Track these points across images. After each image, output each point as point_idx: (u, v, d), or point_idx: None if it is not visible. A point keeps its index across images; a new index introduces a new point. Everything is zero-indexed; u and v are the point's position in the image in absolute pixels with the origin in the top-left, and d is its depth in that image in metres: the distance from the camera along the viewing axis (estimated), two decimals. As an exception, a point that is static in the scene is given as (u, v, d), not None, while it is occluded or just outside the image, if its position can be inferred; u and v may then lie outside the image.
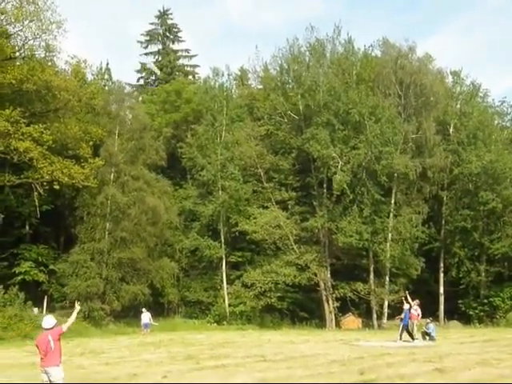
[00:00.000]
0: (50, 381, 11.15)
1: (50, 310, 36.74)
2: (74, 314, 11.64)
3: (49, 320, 11.59)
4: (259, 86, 54.26)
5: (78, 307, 11.84)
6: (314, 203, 44.90)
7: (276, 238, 43.41)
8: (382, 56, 47.90)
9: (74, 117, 39.97)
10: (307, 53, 46.80)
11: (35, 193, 36.38)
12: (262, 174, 45.62)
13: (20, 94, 36.94)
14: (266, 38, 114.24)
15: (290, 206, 45.49)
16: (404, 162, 42.54)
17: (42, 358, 11.21)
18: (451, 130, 47.26)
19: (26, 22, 35.87)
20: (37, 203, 36.76)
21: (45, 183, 35.86)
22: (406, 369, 16.45)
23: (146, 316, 34.75)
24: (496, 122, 51.15)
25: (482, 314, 44.56)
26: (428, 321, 29.12)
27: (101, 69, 53.35)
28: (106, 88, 49.40)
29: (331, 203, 44.06)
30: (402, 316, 27.43)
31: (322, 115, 43.32)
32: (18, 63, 37.15)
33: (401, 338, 26.86)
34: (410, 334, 27.03)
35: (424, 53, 47.55)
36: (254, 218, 43.88)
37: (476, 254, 45.91)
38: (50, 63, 39.52)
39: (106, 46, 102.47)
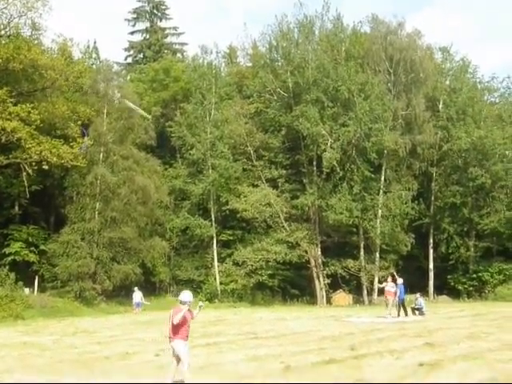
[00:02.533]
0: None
1: (41, 289, 36.81)
2: (198, 310, 11.27)
3: (187, 294, 11.41)
4: (248, 63, 53.99)
5: (202, 304, 11.53)
6: (304, 181, 44.97)
7: (266, 215, 43.52)
8: (371, 32, 47.69)
9: (61, 96, 39.54)
10: (296, 29, 46.61)
11: (24, 173, 36.09)
12: (251, 152, 45.56)
13: (6, 73, 36.45)
14: (254, 15, 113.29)
15: (280, 184, 45.53)
16: (393, 138, 42.59)
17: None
18: (441, 107, 47.29)
19: (10, 0, 35.36)
20: (26, 183, 36.48)
21: (33, 163, 35.54)
22: (397, 343, 16.63)
23: (137, 295, 34.85)
24: (485, 97, 51.18)
25: (470, 288, 45.07)
26: (417, 296, 29.42)
27: (88, 47, 52.70)
28: (94, 67, 48.84)
29: (321, 181, 44.18)
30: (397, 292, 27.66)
31: (311, 92, 43.20)
32: (3, 42, 36.64)
33: (399, 314, 27.09)
34: (402, 309, 27.32)
35: (413, 29, 47.43)
36: (245, 197, 43.91)
37: (465, 229, 46.29)
38: (36, 42, 39.01)
39: (93, 24, 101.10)
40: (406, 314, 27.07)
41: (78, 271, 36.49)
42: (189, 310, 11.22)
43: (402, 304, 27.45)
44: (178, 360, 11.09)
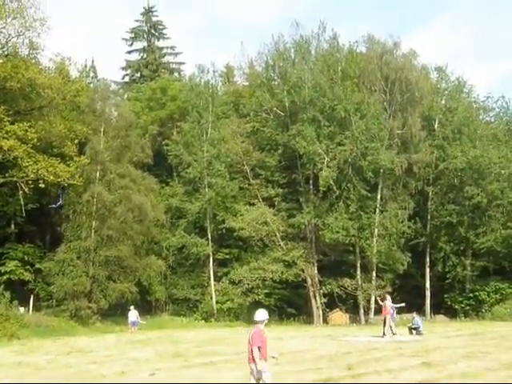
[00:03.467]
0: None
1: (37, 308, 36.61)
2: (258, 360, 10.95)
3: (262, 313, 11.27)
4: (245, 82, 54.28)
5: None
6: (301, 199, 45.01)
7: (263, 234, 43.48)
8: (367, 52, 47.95)
9: (58, 115, 39.63)
10: (292, 49, 46.89)
11: (20, 191, 36.06)
12: (248, 170, 45.63)
13: (4, 92, 36.55)
14: (251, 34, 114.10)
15: (276, 203, 45.55)
16: (390, 157, 42.72)
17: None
18: (436, 126, 47.54)
19: (9, 20, 35.60)
20: (22, 202, 36.47)
21: (30, 182, 35.55)
22: (394, 363, 16.56)
23: (133, 314, 34.71)
24: (481, 117, 51.48)
25: (467, 308, 44.93)
26: (413, 315, 29.35)
27: (85, 66, 52.96)
28: (91, 85, 49.07)
29: (317, 199, 44.19)
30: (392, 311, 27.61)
31: (307, 111, 43.41)
32: (1, 61, 36.77)
33: (394, 333, 26.98)
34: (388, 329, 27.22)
35: (409, 49, 47.76)
36: (241, 215, 43.90)
37: (461, 248, 46.24)
38: (33, 61, 39.11)
39: (91, 43, 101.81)
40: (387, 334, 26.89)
41: (73, 290, 36.34)
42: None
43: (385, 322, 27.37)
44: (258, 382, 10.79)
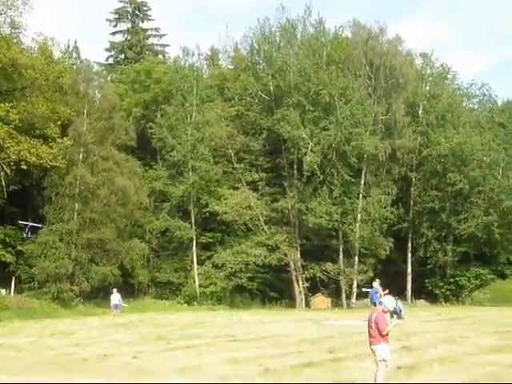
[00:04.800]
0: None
1: (18, 291, 36.45)
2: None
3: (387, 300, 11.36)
4: (230, 66, 53.92)
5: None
6: (285, 184, 45.04)
7: (246, 218, 43.53)
8: (353, 37, 47.91)
9: (41, 96, 39.17)
10: (278, 33, 46.61)
11: (2, 173, 35.72)
12: (232, 154, 45.52)
13: (-15, 72, 36.11)
14: (236, 17, 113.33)
15: (260, 187, 45.57)
16: (373, 143, 42.85)
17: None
18: (420, 112, 47.72)
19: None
20: (4, 183, 36.13)
21: (12, 163, 35.25)
22: (375, 347, 16.69)
23: (115, 297, 34.69)
24: (464, 104, 51.75)
25: (448, 293, 45.47)
26: (395, 300, 29.55)
27: (68, 47, 52.42)
28: (74, 67, 48.51)
29: (301, 184, 44.27)
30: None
31: (292, 96, 43.32)
32: (-18, 39, 36.26)
33: None
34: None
35: (394, 34, 47.76)
36: (225, 199, 43.89)
37: (443, 234, 46.68)
38: (15, 40, 38.61)
39: (74, 23, 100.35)
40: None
41: (55, 272, 36.18)
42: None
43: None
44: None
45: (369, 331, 10.99)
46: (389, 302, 11.29)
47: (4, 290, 34.54)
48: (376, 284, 28.43)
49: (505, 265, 46.84)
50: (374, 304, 27.47)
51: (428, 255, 46.20)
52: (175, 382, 11.35)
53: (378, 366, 10.81)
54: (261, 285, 44.19)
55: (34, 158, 35.25)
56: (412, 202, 47.30)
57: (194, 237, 44.52)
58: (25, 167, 35.60)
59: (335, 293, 45.25)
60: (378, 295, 27.63)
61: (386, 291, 28.43)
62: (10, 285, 36.03)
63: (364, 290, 29.23)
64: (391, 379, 11.90)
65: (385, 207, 43.91)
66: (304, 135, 42.35)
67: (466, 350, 15.99)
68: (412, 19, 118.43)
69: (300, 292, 43.90)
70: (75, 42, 54.15)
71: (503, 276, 46.19)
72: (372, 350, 10.96)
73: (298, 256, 44.45)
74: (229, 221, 43.58)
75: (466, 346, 16.72)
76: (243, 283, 43.03)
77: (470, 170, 45.00)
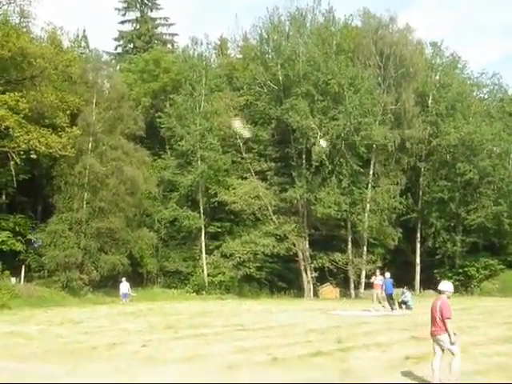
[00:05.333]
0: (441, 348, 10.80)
1: (28, 279, 36.65)
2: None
3: (444, 284, 11.14)
4: (239, 55, 53.82)
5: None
6: (293, 174, 45.02)
7: (255, 208, 43.56)
8: (362, 26, 47.72)
9: (50, 85, 39.17)
10: (287, 22, 46.56)
11: (12, 162, 35.77)
12: (241, 144, 45.51)
13: (-5, 61, 36.14)
14: (246, 6, 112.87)
15: (269, 177, 45.57)
16: (383, 133, 42.70)
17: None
18: (430, 102, 47.47)
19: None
20: (13, 172, 36.19)
21: (21, 152, 35.29)
22: (383, 337, 16.73)
23: (124, 286, 34.87)
24: (474, 93, 51.44)
25: (457, 283, 45.19)
26: (404, 290, 29.59)
27: (77, 36, 52.40)
28: (83, 56, 48.51)
29: (310, 174, 44.22)
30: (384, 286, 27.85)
31: (301, 85, 43.19)
32: (-9, 29, 36.25)
33: (385, 306, 27.28)
34: (388, 304, 27.53)
35: (404, 24, 47.52)
36: (233, 189, 43.92)
37: (452, 224, 46.57)
38: (25, 29, 38.60)
39: (83, 13, 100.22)
40: (392, 309, 27.20)
41: (65, 261, 36.33)
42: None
43: (390, 298, 27.63)
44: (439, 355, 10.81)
45: (432, 320, 10.85)
46: (448, 286, 11.04)
47: (14, 279, 34.68)
48: (388, 274, 28.40)
49: (514, 255, 46.63)
50: (390, 295, 27.58)
51: (437, 245, 46.14)
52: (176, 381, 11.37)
53: (453, 353, 10.60)
54: (269, 274, 44.30)
55: (43, 148, 35.28)
56: (421, 192, 47.17)
57: (203, 226, 44.61)
58: (34, 156, 35.63)
59: (343, 283, 45.31)
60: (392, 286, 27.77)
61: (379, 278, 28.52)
62: (20, 273, 36.19)
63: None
64: (398, 368, 11.92)
65: (393, 197, 43.82)
66: (313, 125, 42.25)
67: (475, 340, 15.96)
68: (422, 8, 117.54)
69: (308, 282, 43.98)
70: (84, 31, 54.23)
71: (512, 266, 45.99)
72: (437, 339, 10.80)
73: (307, 246, 44.49)
74: (237, 210, 43.63)
75: (475, 336, 16.69)
76: (251, 273, 43.13)
77: (480, 160, 44.78)
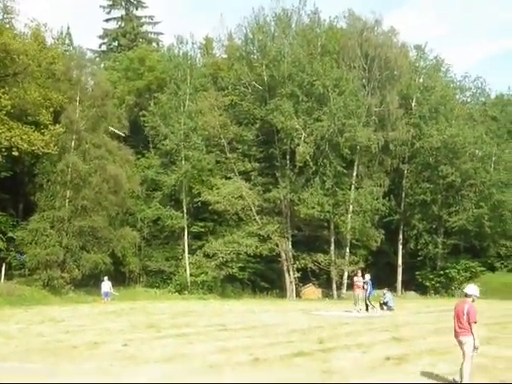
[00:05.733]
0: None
1: (8, 277, 36.37)
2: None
3: (471, 288, 11.25)
4: (224, 55, 53.74)
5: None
6: (277, 174, 45.07)
7: (238, 208, 43.52)
8: (348, 28, 47.87)
9: (33, 82, 38.84)
10: (272, 23, 46.53)
11: (-7, 159, 35.53)
12: (225, 144, 45.44)
13: (-23, 57, 35.78)
14: (231, 6, 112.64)
15: (252, 177, 45.55)
16: (367, 134, 42.88)
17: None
18: (413, 104, 47.79)
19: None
20: (-5, 170, 35.98)
21: (3, 149, 35.01)
22: (364, 337, 16.82)
23: (106, 285, 34.71)
24: (457, 97, 51.86)
25: (438, 285, 45.74)
26: (384, 291, 29.77)
27: (61, 33, 51.98)
28: (67, 53, 48.16)
29: (294, 175, 44.32)
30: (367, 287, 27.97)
31: (286, 86, 43.26)
32: (-27, 25, 35.93)
33: (367, 309, 27.42)
34: (366, 305, 27.67)
35: (389, 26, 47.80)
36: (217, 189, 43.85)
37: (434, 226, 46.91)
38: (8, 26, 38.22)
39: (67, 10, 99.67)
40: (367, 310, 27.37)
41: (46, 259, 36.06)
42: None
43: (367, 299, 27.79)
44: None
45: (457, 322, 11.05)
46: (474, 289, 11.24)
47: (-6, 277, 34.45)
48: (368, 276, 28.53)
49: (494, 258, 47.11)
50: (368, 297, 27.73)
51: (419, 247, 46.44)
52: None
53: (465, 357, 10.82)
54: (252, 275, 44.31)
55: (25, 145, 35.04)
56: (404, 194, 47.48)
57: (186, 226, 44.52)
58: (16, 154, 35.36)
59: (326, 283, 45.45)
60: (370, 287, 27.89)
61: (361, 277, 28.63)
62: (0, 271, 35.93)
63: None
64: (379, 368, 11.99)
65: (377, 199, 44.00)
66: (297, 126, 42.34)
67: (455, 341, 16.07)
68: (406, 11, 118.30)
69: (291, 282, 44.04)
70: (68, 29, 53.79)
71: (493, 269, 46.46)
72: (460, 341, 11.00)
73: (290, 246, 44.57)
74: (221, 210, 43.55)
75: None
76: (234, 273, 43.10)
77: (462, 162, 45.15)
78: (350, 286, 36.80)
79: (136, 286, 43.50)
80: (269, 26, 46.50)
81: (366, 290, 27.73)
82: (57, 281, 36.39)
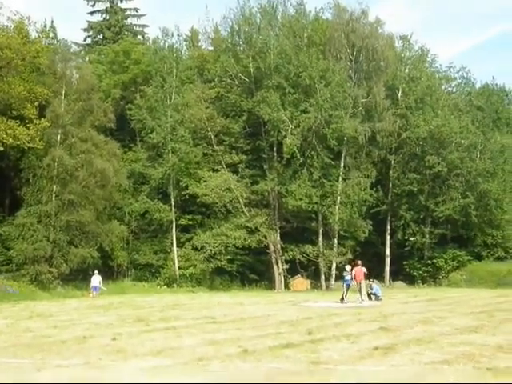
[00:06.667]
0: None
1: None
2: None
3: None
4: (210, 47, 53.55)
5: None
6: (265, 166, 45.12)
7: (226, 201, 43.55)
8: (334, 19, 47.80)
9: (17, 76, 38.58)
10: (258, 14, 46.47)
11: (-22, 154, 35.30)
12: (212, 136, 45.38)
13: (-40, 51, 35.45)
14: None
15: (240, 169, 45.57)
16: (353, 125, 42.98)
17: None
18: (400, 95, 47.93)
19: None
20: (-20, 165, 35.72)
21: (-12, 144, 34.81)
22: (352, 328, 16.89)
23: (96, 279, 34.73)
24: (443, 87, 52.07)
25: (425, 274, 46.06)
26: (370, 282, 29.89)
27: (45, 26, 51.40)
28: (52, 47, 47.72)
29: (281, 166, 44.37)
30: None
31: (272, 78, 43.25)
32: (-44, 19, 35.54)
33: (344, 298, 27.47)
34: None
35: (375, 17, 47.79)
36: (205, 181, 43.85)
37: (421, 216, 47.19)
38: (-9, 20, 37.97)
39: (51, 2, 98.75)
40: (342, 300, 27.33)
41: (33, 254, 35.98)
42: None
43: (347, 289, 27.78)
44: None
45: None
46: None
47: (-19, 273, 34.25)
48: (348, 267, 28.61)
49: (481, 247, 47.42)
50: (348, 286, 27.77)
51: (406, 237, 46.67)
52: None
53: None
54: (240, 267, 44.40)
55: (10, 139, 34.86)
56: (391, 185, 47.66)
57: (174, 219, 44.49)
58: (1, 148, 35.18)
59: (314, 275, 45.64)
60: (348, 277, 27.90)
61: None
62: (-13, 267, 35.75)
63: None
64: (367, 358, 12.06)
65: (364, 190, 44.16)
66: (284, 117, 42.36)
67: (442, 330, 16.22)
68: (391, 2, 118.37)
69: (279, 274, 44.17)
70: (52, 22, 53.15)
71: (479, 258, 46.79)
72: None
73: (278, 238, 44.67)
74: (208, 203, 43.58)
75: (442, 327, 16.95)
76: (223, 265, 43.16)
77: (448, 152, 45.41)
78: (339, 277, 37.03)
79: (124, 280, 43.44)
80: (254, 17, 46.44)
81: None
82: (44, 276, 36.32)
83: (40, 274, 36.21)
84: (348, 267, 28.60)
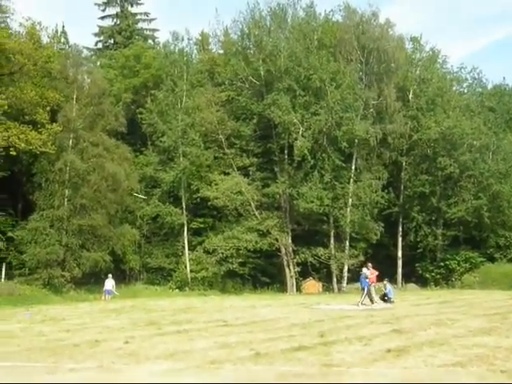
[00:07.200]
0: None
1: (9, 277, 36.40)
2: None
3: None
4: (220, 50, 53.65)
5: None
6: (275, 169, 45.11)
7: (237, 204, 43.55)
8: (344, 21, 47.75)
9: (29, 81, 38.89)
10: (268, 17, 46.49)
11: (-9, 159, 35.54)
12: (223, 140, 45.43)
13: (-28, 57, 35.76)
14: (226, 1, 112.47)
15: (251, 172, 45.60)
16: (364, 128, 42.86)
17: None
18: (411, 97, 47.75)
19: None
20: (-7, 170, 35.97)
21: (1, 149, 35.02)
22: (365, 330, 16.84)
23: (109, 282, 34.83)
24: (454, 88, 51.80)
25: (438, 276, 45.80)
26: (385, 282, 29.77)
27: (56, 32, 51.86)
28: (63, 52, 48.08)
29: (292, 169, 44.33)
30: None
31: (283, 81, 43.24)
32: (-31, 24, 35.89)
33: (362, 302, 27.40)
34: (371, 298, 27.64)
35: (385, 19, 47.69)
36: (216, 185, 43.86)
37: (433, 218, 46.92)
38: (3, 25, 38.29)
39: (62, 8, 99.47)
40: (372, 303, 27.32)
41: (46, 258, 36.17)
42: None
43: (368, 292, 27.69)
44: None
45: None
46: None
47: (-5, 277, 34.48)
48: (365, 269, 28.51)
49: (494, 248, 47.12)
50: (363, 289, 27.71)
51: (418, 239, 46.47)
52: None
53: None
54: (252, 270, 44.35)
55: (23, 144, 35.07)
56: (402, 187, 47.46)
57: (185, 222, 44.56)
58: (14, 153, 35.40)
59: (326, 277, 45.50)
60: (366, 280, 27.81)
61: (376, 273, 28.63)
62: (1, 271, 35.98)
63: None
64: (380, 361, 12.01)
65: (375, 192, 44.01)
66: (295, 120, 42.35)
67: (455, 332, 16.13)
68: (400, 3, 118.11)
69: (291, 277, 44.09)
70: (63, 27, 53.67)
71: (492, 259, 46.49)
72: None
73: (289, 241, 44.60)
74: (220, 206, 43.61)
75: (455, 329, 16.87)
76: (234, 268, 43.14)
77: (460, 154, 45.17)
78: (351, 280, 36.89)
79: (136, 284, 43.56)
80: (264, 20, 46.47)
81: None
82: (57, 279, 36.52)
83: (53, 277, 36.41)
84: (365, 269, 28.42)
